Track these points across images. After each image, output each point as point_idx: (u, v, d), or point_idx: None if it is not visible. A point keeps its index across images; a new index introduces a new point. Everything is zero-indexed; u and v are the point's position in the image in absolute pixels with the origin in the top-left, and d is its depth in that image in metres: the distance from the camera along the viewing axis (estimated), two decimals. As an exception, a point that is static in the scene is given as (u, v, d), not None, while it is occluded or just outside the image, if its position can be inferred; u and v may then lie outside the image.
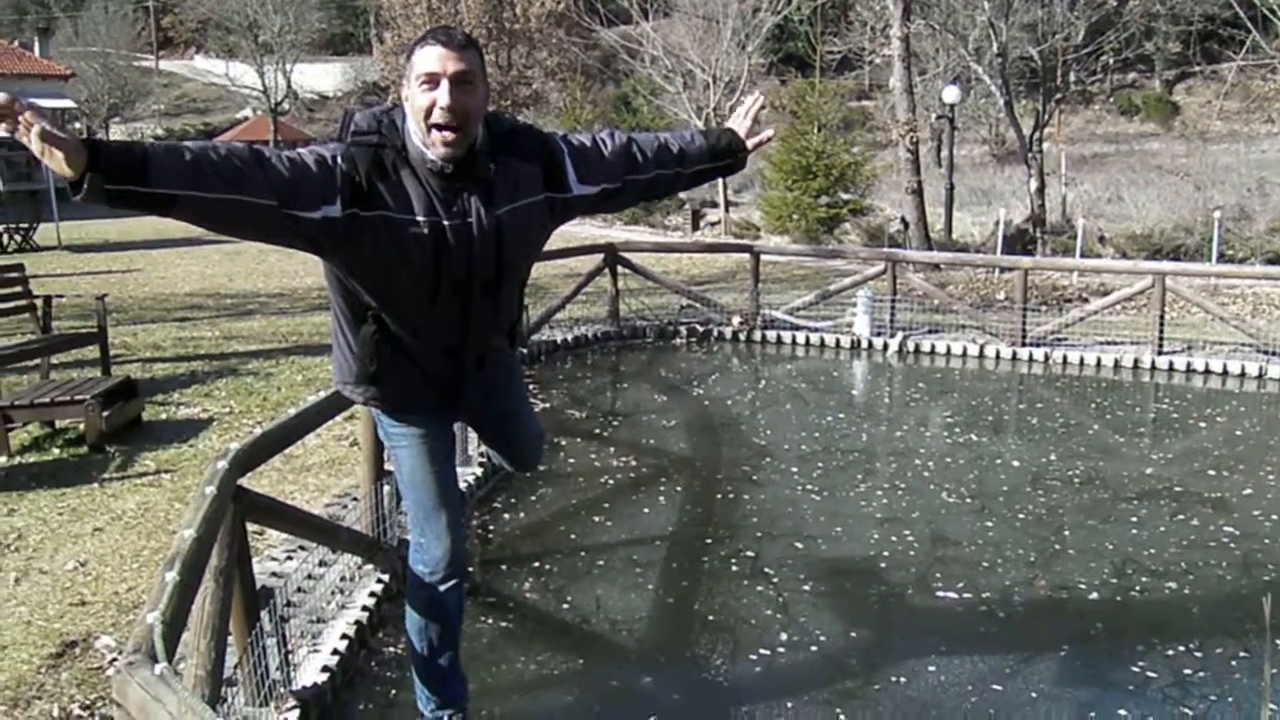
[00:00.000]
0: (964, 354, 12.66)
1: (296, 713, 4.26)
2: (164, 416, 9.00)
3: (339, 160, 3.10)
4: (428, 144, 3.14)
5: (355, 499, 6.47)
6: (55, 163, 2.66)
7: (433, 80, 3.10)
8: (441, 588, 3.73)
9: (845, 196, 26.37)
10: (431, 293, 3.25)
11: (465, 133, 3.14)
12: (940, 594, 5.89)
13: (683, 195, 30.28)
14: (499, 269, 3.32)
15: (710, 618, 5.58)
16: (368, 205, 3.10)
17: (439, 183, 3.18)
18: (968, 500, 7.52)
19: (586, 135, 3.51)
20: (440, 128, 3.11)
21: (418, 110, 3.12)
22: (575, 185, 3.41)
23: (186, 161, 2.85)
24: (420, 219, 3.16)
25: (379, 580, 5.55)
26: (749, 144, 3.59)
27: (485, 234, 3.23)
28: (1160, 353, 12.03)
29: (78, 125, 48.90)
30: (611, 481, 7.87)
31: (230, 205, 2.93)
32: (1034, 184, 24.16)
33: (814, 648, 5.23)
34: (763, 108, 3.66)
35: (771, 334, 13.55)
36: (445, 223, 3.18)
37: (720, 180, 29.28)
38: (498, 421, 4.02)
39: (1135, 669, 5.01)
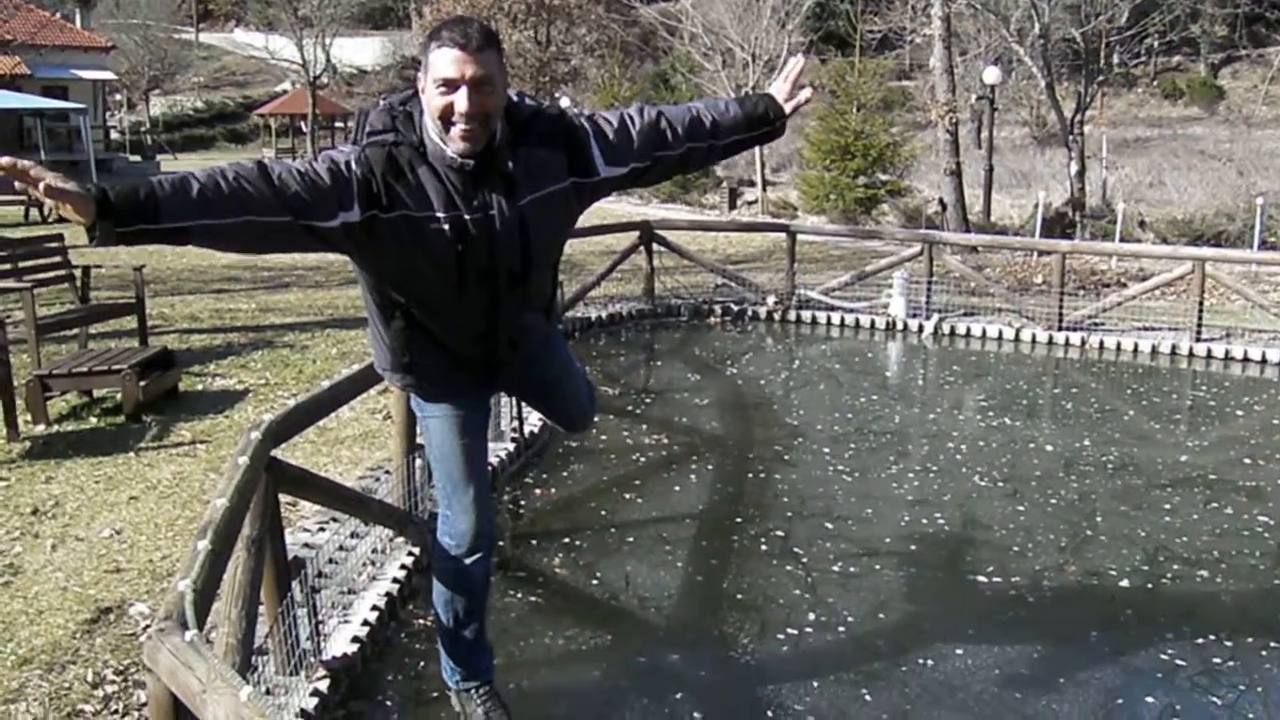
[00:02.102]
0: (1000, 337, 12.59)
1: (326, 682, 4.30)
2: (200, 387, 9.07)
3: (353, 165, 3.08)
4: (446, 140, 3.12)
5: (388, 472, 6.51)
6: (67, 212, 2.69)
7: (450, 85, 3.06)
8: (467, 561, 3.75)
9: (883, 177, 26.21)
10: (458, 286, 3.25)
11: (485, 128, 3.12)
12: (970, 578, 5.88)
13: (720, 173, 30.32)
14: (525, 259, 3.31)
15: (739, 597, 5.59)
16: (386, 207, 3.09)
17: (458, 178, 3.16)
18: (1000, 484, 7.49)
19: (614, 114, 3.44)
20: (460, 128, 3.10)
21: (435, 110, 3.09)
22: (602, 168, 3.35)
23: (195, 193, 2.86)
24: (440, 215, 3.14)
25: (410, 553, 5.58)
26: (787, 108, 3.49)
27: (508, 226, 3.22)
28: (1198, 339, 11.93)
29: (119, 96, 49.33)
30: (643, 459, 7.88)
31: (244, 227, 2.94)
32: (1074, 167, 24.01)
33: (842, 629, 5.23)
34: (804, 71, 3.58)
35: (806, 314, 13.51)
36: (466, 217, 3.16)
37: (758, 159, 29.36)
38: (540, 388, 4.02)
39: (1164, 657, 4.99)
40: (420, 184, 3.14)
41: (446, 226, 3.15)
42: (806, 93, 3.52)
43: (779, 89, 3.50)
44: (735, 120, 3.46)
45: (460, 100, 3.06)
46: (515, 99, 3.30)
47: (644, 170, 3.45)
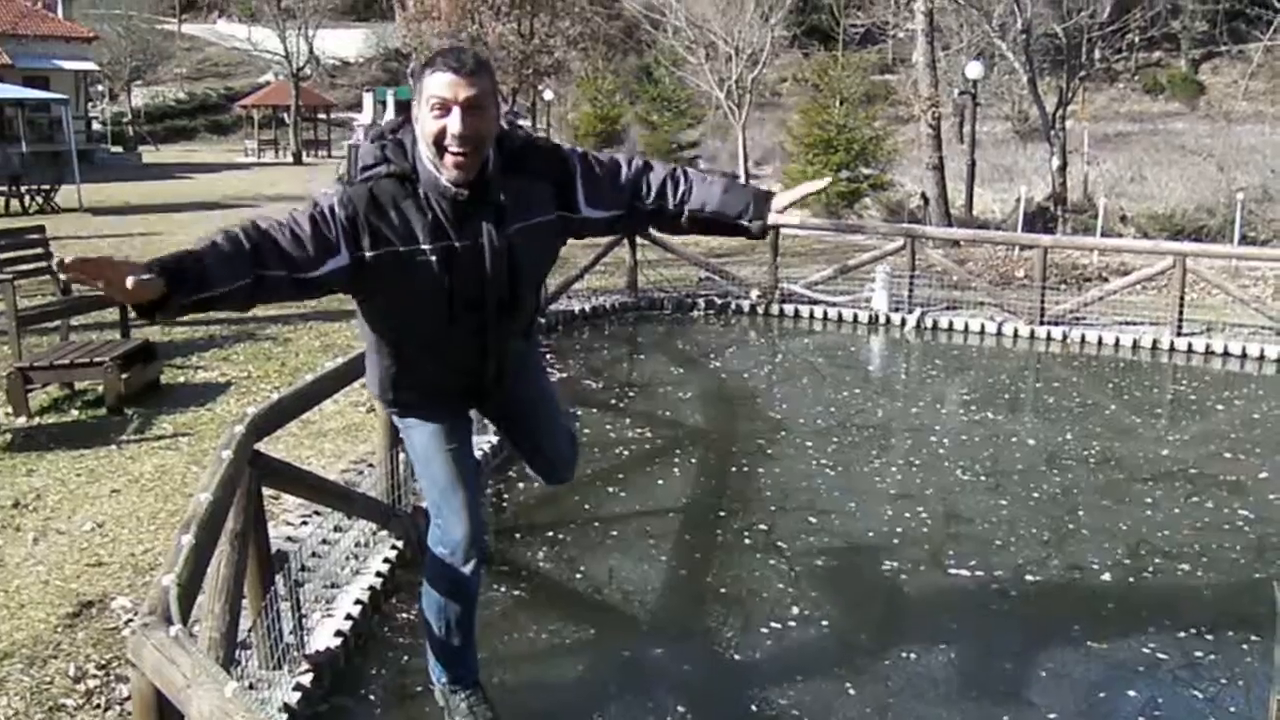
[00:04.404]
0: (982, 331, 12.63)
1: (309, 676, 4.29)
2: (182, 380, 9.04)
3: (337, 209, 3.13)
4: (440, 167, 3.15)
5: (371, 465, 6.50)
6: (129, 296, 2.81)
7: (444, 107, 3.08)
8: (464, 569, 3.68)
9: (866, 171, 26.22)
10: (448, 317, 3.29)
11: (478, 154, 3.15)
12: (952, 571, 5.89)
13: (703, 168, 30.26)
14: (514, 287, 3.34)
15: (722, 590, 5.59)
16: (371, 246, 3.13)
17: (450, 206, 3.19)
18: (982, 478, 7.51)
19: (607, 156, 3.50)
20: (452, 151, 3.13)
21: (428, 134, 3.12)
22: (583, 207, 3.40)
23: (227, 257, 2.94)
24: (426, 247, 3.17)
25: (393, 546, 5.57)
26: (772, 218, 3.39)
27: (497, 254, 3.25)
28: (1179, 334, 11.99)
29: (100, 87, 49.04)
30: (626, 453, 7.88)
31: (248, 290, 3.01)
32: (1056, 162, 24.05)
33: (825, 622, 5.24)
34: (823, 190, 3.58)
35: (789, 308, 13.51)
36: (456, 245, 3.20)
37: (741, 152, 29.36)
38: (518, 413, 3.91)
39: (1146, 650, 5.01)
40: (405, 217, 3.17)
41: (434, 258, 3.18)
42: (803, 189, 3.48)
43: (781, 198, 3.44)
44: (718, 208, 3.44)
45: (453, 122, 3.08)
46: (506, 128, 3.35)
47: (621, 218, 3.52)
